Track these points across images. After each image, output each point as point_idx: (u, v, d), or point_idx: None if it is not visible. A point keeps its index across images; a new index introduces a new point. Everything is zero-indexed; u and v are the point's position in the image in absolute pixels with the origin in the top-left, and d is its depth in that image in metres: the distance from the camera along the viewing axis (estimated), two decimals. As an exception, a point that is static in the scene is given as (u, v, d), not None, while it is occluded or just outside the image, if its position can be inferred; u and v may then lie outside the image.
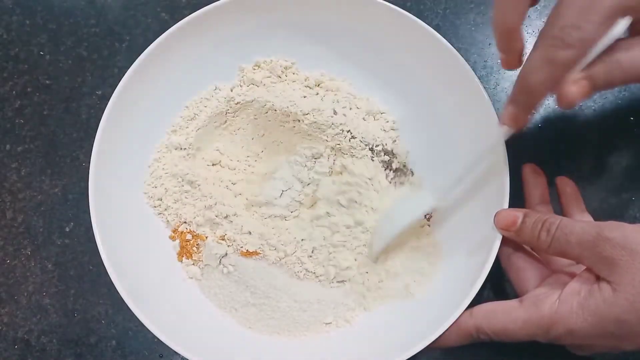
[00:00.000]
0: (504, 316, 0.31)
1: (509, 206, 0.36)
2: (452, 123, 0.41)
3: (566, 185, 0.40)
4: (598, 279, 0.30)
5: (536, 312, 0.30)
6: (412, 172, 0.41)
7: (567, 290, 0.30)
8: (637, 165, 0.44)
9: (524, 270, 0.34)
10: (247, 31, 0.43)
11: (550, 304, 0.30)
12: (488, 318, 0.31)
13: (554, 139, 0.45)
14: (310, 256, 0.39)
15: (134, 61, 0.40)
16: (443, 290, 0.38)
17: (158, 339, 0.36)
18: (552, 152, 0.44)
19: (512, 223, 0.33)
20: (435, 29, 0.39)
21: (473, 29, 0.47)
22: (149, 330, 0.42)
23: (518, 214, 0.33)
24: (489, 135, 0.36)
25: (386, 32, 0.41)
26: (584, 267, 0.31)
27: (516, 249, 0.35)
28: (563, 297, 0.30)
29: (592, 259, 0.29)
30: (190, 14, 0.41)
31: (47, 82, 0.48)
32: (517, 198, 0.43)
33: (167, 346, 0.42)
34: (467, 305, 0.33)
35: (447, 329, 0.33)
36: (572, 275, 0.32)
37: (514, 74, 0.46)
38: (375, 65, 0.43)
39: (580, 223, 0.31)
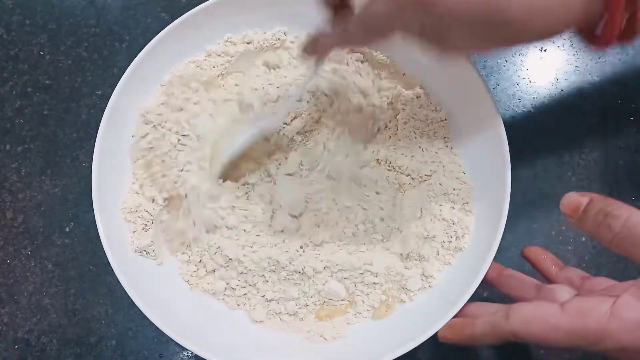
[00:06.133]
0: (543, 324, 0.29)
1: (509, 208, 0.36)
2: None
3: (539, 254, 0.38)
4: None
5: (582, 324, 0.27)
6: None
7: (620, 304, 0.27)
8: (637, 166, 0.44)
9: (519, 285, 0.35)
10: (246, 26, 0.43)
11: (598, 317, 0.27)
12: (526, 325, 0.29)
13: (553, 139, 0.45)
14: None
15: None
16: (441, 289, 0.38)
17: (158, 339, 0.36)
18: (552, 152, 0.45)
19: (575, 210, 0.30)
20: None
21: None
22: (149, 330, 0.42)
23: (583, 199, 0.30)
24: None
25: None
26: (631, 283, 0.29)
27: (504, 267, 0.36)
28: (615, 311, 0.27)
29: None
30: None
31: (47, 82, 0.48)
32: (518, 198, 0.43)
33: (167, 346, 0.42)
34: (465, 302, 0.34)
35: (480, 330, 0.32)
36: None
37: (514, 75, 0.47)
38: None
39: None
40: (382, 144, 0.42)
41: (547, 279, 0.36)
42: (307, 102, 0.42)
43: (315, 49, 0.34)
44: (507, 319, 0.30)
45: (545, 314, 0.29)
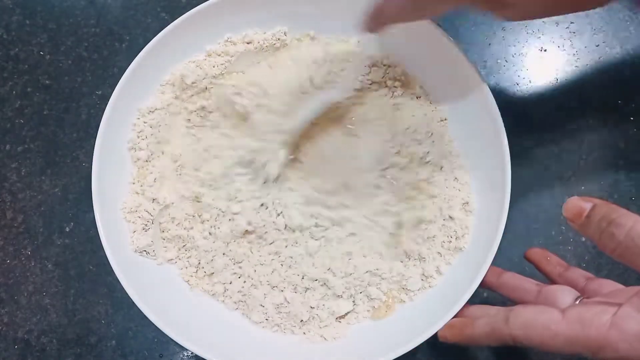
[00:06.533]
0: (543, 330, 0.28)
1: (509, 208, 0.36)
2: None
3: (542, 256, 0.37)
4: None
5: (582, 332, 0.27)
6: None
7: (621, 315, 0.27)
8: (637, 166, 0.44)
9: (519, 287, 0.34)
10: (246, 26, 0.43)
11: (598, 327, 0.27)
12: (525, 330, 0.29)
13: (553, 139, 0.45)
14: None
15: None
16: (441, 289, 0.38)
17: (158, 339, 0.36)
18: (552, 152, 0.44)
19: (578, 215, 0.29)
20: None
21: (473, 28, 0.47)
22: (149, 330, 0.42)
23: (586, 204, 0.29)
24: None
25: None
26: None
27: (504, 270, 0.35)
28: (615, 321, 0.27)
29: None
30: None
31: (47, 82, 0.48)
32: (518, 198, 0.43)
33: (167, 346, 0.42)
34: (465, 302, 0.34)
35: (478, 331, 0.32)
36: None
37: (514, 75, 0.47)
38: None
39: None
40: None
41: (551, 281, 0.36)
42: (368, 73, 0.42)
43: (380, 22, 0.33)
44: (506, 323, 0.30)
45: (546, 319, 0.28)
